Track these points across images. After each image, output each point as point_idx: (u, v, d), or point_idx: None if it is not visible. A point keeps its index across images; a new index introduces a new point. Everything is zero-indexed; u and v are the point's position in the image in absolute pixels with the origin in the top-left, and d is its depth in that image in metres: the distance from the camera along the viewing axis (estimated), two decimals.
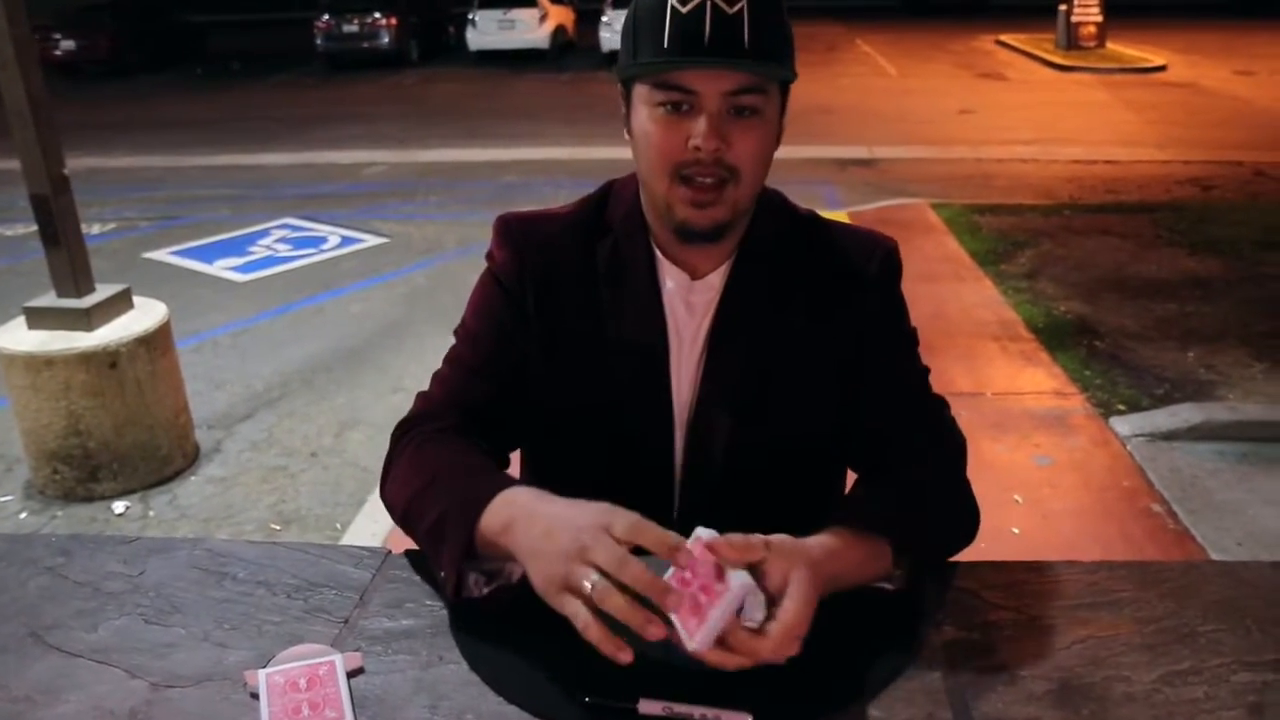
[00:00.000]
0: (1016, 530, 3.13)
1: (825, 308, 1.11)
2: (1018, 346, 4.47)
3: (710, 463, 1.12)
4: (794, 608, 0.84)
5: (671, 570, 0.84)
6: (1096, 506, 3.28)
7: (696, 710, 0.83)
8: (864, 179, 8.13)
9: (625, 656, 0.81)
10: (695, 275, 1.10)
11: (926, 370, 1.17)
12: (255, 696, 0.87)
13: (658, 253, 1.11)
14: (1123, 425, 3.76)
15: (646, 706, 0.84)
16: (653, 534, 0.85)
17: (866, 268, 1.12)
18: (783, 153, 1.09)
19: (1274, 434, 3.69)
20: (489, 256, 1.16)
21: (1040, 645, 0.94)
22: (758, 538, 0.87)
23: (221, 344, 4.91)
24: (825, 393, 1.12)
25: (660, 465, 1.13)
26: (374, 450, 3.65)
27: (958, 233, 6.17)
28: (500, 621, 0.95)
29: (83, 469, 3.47)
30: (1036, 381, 4.14)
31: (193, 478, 3.66)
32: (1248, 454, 3.61)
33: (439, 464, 1.06)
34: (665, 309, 1.11)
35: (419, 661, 0.93)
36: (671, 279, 1.11)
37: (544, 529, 0.89)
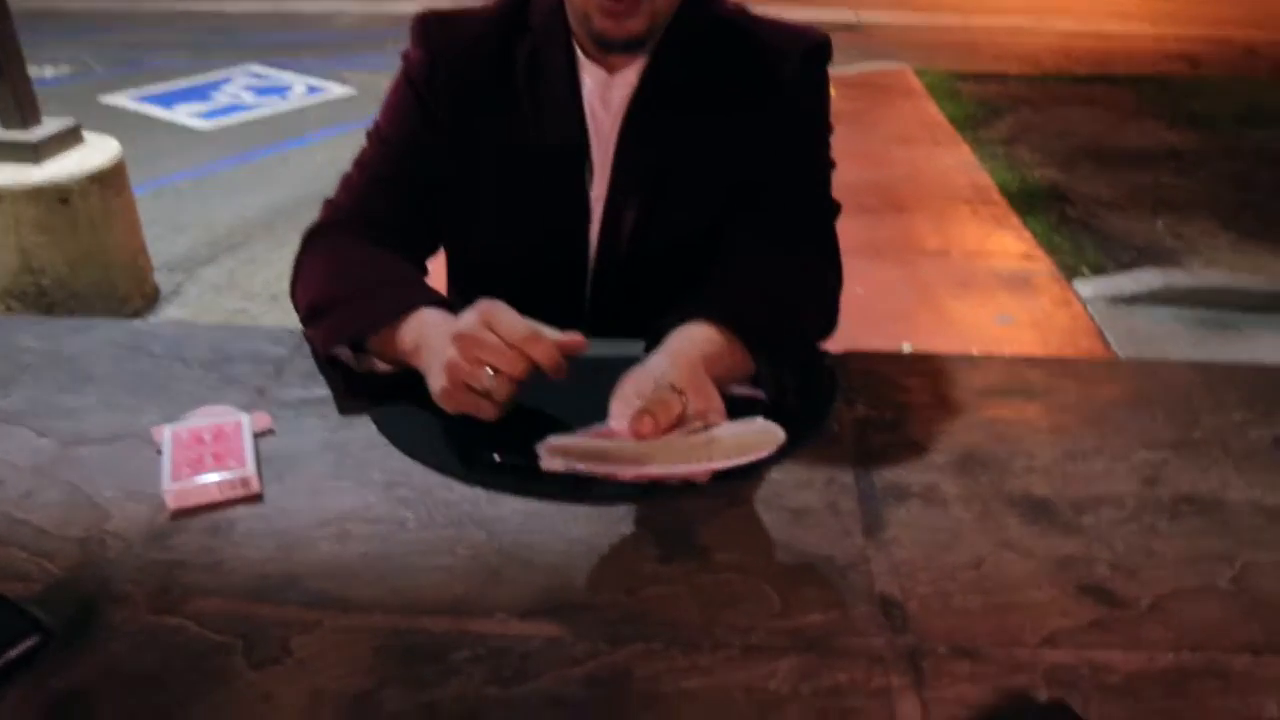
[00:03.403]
0: None
1: (738, 102, 1.08)
2: (989, 210, 4.43)
3: (620, 254, 1.12)
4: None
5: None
6: None
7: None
8: (850, 43, 7.89)
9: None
10: (612, 73, 1.08)
11: (831, 165, 1.15)
12: (160, 453, 0.87)
13: (578, 52, 1.08)
14: (1085, 288, 3.77)
15: (549, 464, 0.84)
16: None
17: (784, 63, 1.08)
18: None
19: (1232, 301, 3.72)
20: (404, 56, 1.13)
21: (949, 424, 0.95)
22: (671, 395, 0.79)
23: (183, 189, 4.80)
24: (729, 183, 1.10)
25: (574, 260, 1.14)
26: None
27: (938, 98, 6.04)
28: (411, 390, 0.95)
29: (38, 306, 3.43)
30: (1004, 244, 4.12)
31: (152, 319, 3.63)
32: (1205, 320, 3.65)
33: (354, 264, 1.04)
34: (585, 109, 1.09)
35: (328, 425, 0.93)
36: (590, 77, 1.08)
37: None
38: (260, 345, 1.07)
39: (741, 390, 0.96)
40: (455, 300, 1.04)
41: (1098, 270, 3.92)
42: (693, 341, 0.90)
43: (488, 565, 0.76)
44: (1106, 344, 3.40)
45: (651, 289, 1.05)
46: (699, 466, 0.72)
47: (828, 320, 1.10)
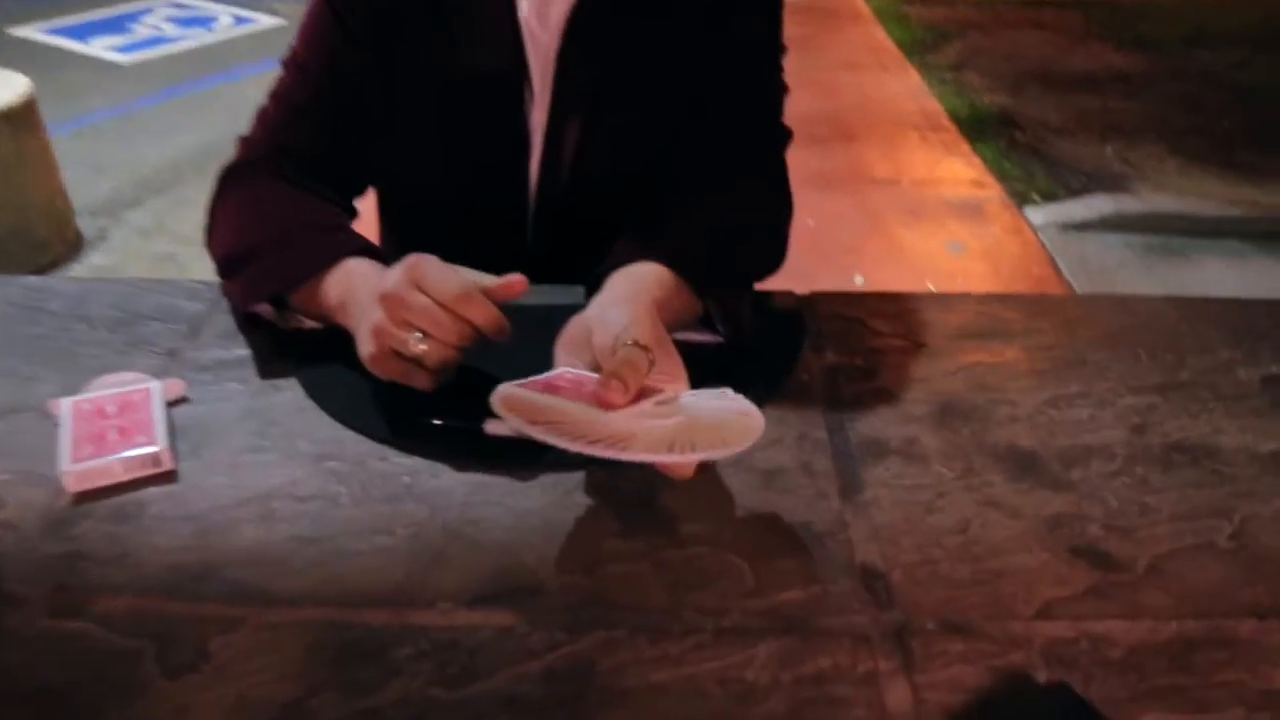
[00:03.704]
0: None
1: (682, 11, 0.99)
2: (938, 136, 4.38)
3: (563, 186, 1.04)
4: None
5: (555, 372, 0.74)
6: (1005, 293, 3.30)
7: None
8: None
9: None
10: None
11: (783, 89, 1.06)
12: (58, 428, 0.78)
13: None
14: (1036, 215, 3.74)
15: (494, 427, 0.77)
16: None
17: None
18: None
19: (1181, 226, 3.72)
20: None
21: (925, 370, 0.89)
22: (638, 353, 0.70)
23: (104, 129, 4.55)
24: (675, 101, 1.02)
25: (514, 196, 1.05)
26: None
27: (886, 22, 5.95)
28: (342, 349, 0.86)
29: None
30: (954, 171, 4.07)
31: (75, 266, 3.44)
32: (1154, 245, 3.64)
33: (272, 209, 0.95)
34: (522, 29, 0.99)
35: (250, 390, 0.84)
36: None
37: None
38: (173, 300, 0.97)
39: (693, 336, 0.89)
40: (388, 247, 0.96)
41: (1048, 196, 3.90)
42: (644, 286, 0.82)
43: (430, 546, 0.69)
44: (1059, 272, 3.38)
45: (596, 224, 0.96)
46: (680, 457, 0.64)
47: (777, 254, 1.03)
